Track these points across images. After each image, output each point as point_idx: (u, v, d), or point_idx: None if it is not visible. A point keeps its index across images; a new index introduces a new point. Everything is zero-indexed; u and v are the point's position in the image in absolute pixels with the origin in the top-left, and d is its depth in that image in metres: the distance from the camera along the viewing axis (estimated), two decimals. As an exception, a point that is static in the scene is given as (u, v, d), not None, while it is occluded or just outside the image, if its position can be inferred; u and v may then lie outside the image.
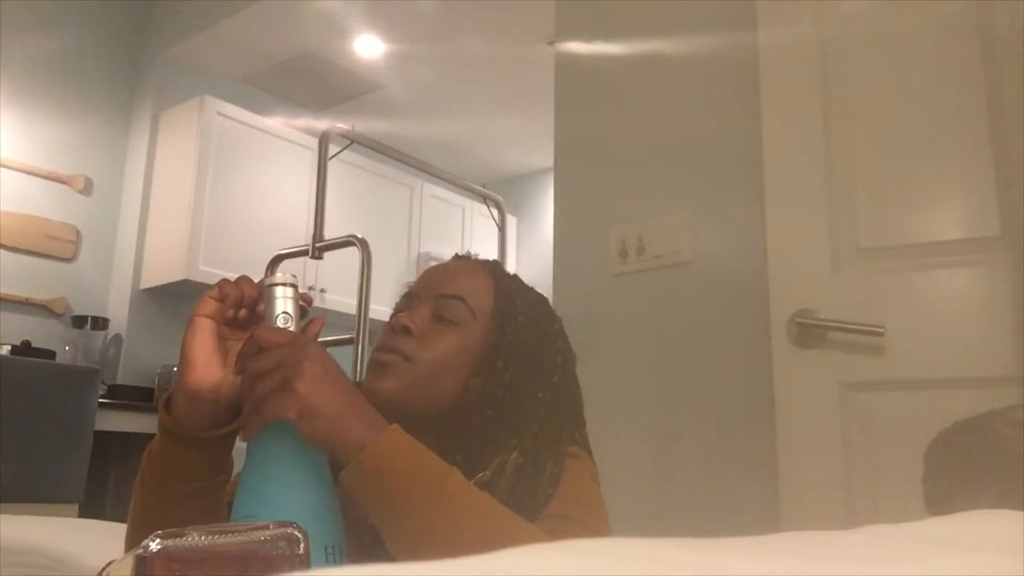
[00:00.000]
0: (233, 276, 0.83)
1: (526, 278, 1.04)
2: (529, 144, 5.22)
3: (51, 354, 3.62)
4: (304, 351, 0.72)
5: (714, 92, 2.05)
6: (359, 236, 2.55)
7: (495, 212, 3.18)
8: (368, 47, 4.23)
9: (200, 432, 0.78)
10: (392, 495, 0.70)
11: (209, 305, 0.80)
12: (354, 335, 2.48)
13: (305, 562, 0.39)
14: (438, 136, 5.11)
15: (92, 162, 4.16)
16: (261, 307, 0.79)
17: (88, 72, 4.19)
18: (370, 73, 4.47)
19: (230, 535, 0.38)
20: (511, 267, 1.09)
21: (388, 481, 0.70)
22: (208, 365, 0.78)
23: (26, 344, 3.60)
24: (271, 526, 0.39)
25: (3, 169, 3.81)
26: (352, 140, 2.74)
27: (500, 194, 3.36)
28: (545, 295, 1.05)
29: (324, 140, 2.57)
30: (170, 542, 0.36)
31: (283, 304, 0.77)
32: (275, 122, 4.40)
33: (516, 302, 0.98)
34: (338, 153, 2.68)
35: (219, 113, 4.12)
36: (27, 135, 3.92)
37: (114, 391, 3.72)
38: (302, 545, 0.39)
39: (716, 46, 2.06)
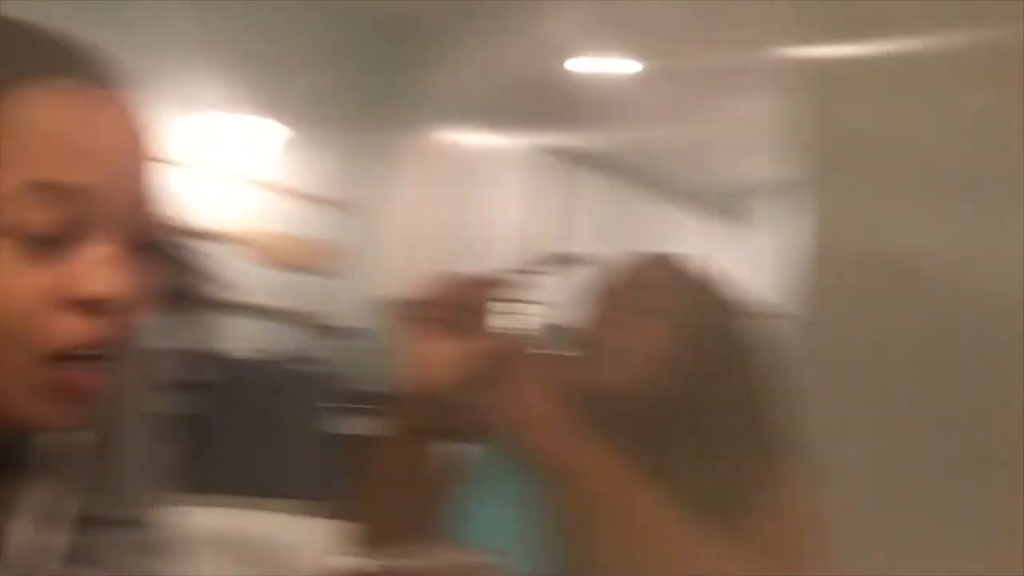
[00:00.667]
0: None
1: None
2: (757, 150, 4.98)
3: (307, 361, 3.96)
4: (520, 360, 0.72)
5: (981, 90, 1.83)
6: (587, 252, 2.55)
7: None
8: (602, 64, 4.25)
9: (426, 432, 0.79)
10: (590, 516, 0.68)
11: (426, 310, 0.80)
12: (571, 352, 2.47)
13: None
14: (676, 148, 5.00)
15: (355, 184, 4.50)
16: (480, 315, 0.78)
17: (355, 98, 4.54)
18: (601, 90, 4.48)
19: (419, 558, 0.36)
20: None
21: (589, 504, 0.68)
22: (432, 369, 0.78)
23: (285, 351, 3.96)
24: (465, 551, 0.37)
25: (279, 194, 4.24)
26: (578, 158, 2.75)
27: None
28: None
29: (550, 159, 2.60)
30: (354, 561, 0.34)
31: (508, 317, 0.76)
32: (510, 143, 4.53)
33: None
34: (565, 174, 2.70)
35: (454, 141, 4.33)
36: (301, 161, 4.33)
37: (358, 397, 3.98)
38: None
39: (981, 39, 1.85)
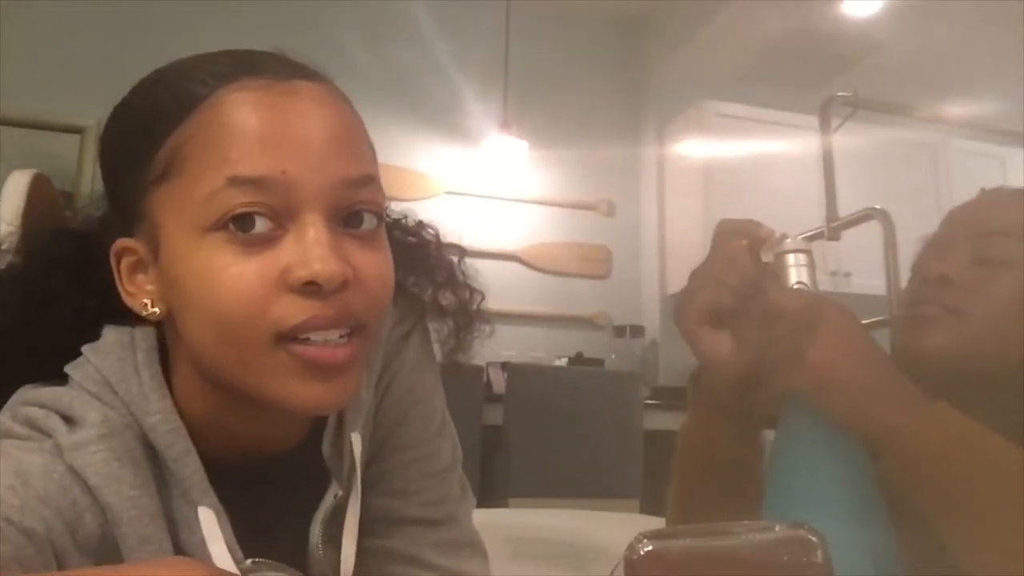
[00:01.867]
0: None
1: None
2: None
3: (600, 362, 4.01)
4: (821, 314, 0.64)
5: None
6: (878, 208, 2.32)
7: (1047, 153, 2.65)
8: (860, 6, 3.89)
9: (722, 402, 0.75)
10: (946, 491, 0.58)
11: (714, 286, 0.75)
12: (887, 317, 2.25)
13: (826, 571, 0.32)
14: (955, 86, 4.46)
15: (611, 185, 4.52)
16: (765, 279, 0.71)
17: (597, 100, 4.57)
18: (865, 34, 4.11)
19: (728, 537, 0.33)
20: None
21: (939, 473, 0.58)
22: (715, 341, 0.72)
23: (579, 355, 4.04)
24: (778, 527, 0.33)
25: (542, 206, 4.36)
26: (855, 106, 2.52)
27: (1052, 130, 2.79)
28: None
29: (824, 111, 2.40)
30: (660, 543, 0.32)
31: (797, 273, 0.69)
32: (774, 110, 4.30)
33: None
34: (842, 124, 2.48)
35: (717, 114, 4.17)
36: (554, 171, 4.42)
37: (657, 393, 3.96)
38: (820, 552, 0.32)
39: None
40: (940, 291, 0.79)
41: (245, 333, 0.54)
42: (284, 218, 0.55)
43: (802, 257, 0.69)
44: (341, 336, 0.56)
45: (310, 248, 0.54)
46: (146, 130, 0.58)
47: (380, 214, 0.59)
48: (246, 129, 0.55)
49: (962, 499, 0.58)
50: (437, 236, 0.77)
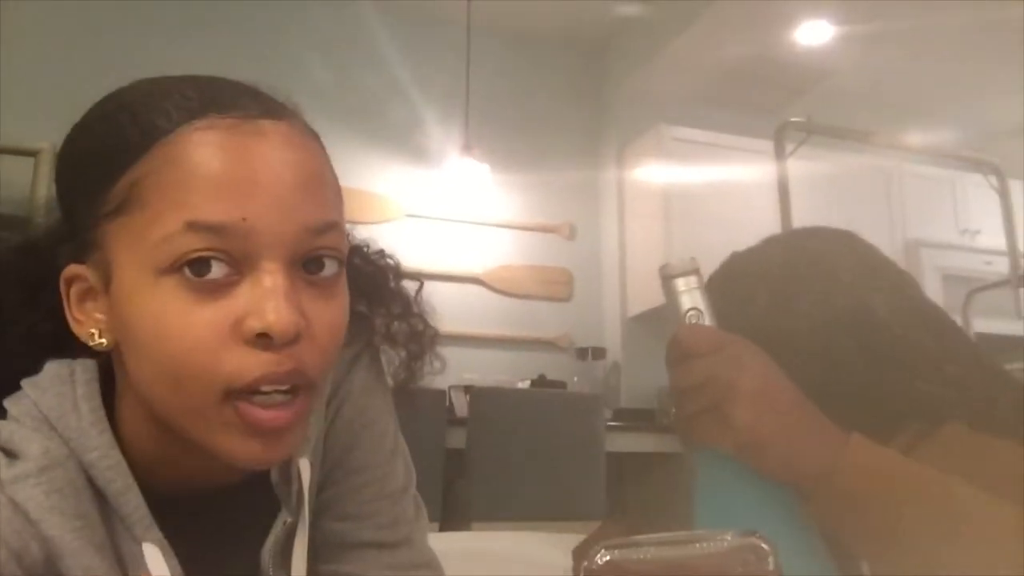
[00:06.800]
0: None
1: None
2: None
3: (563, 385, 4.02)
4: (738, 362, 0.60)
5: None
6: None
7: (993, 179, 2.73)
8: (813, 34, 4.00)
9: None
10: (878, 523, 0.57)
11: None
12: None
13: (778, 578, 0.33)
14: (906, 112, 4.59)
15: (573, 208, 4.56)
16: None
17: (558, 123, 4.62)
18: (818, 61, 4.22)
19: (684, 547, 0.33)
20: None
21: (869, 507, 0.58)
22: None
23: (542, 378, 4.05)
24: (730, 536, 0.34)
25: (503, 230, 4.38)
26: (809, 132, 2.58)
27: (998, 155, 2.88)
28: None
29: (779, 136, 2.47)
30: (618, 553, 0.33)
31: (690, 299, 0.63)
32: (731, 135, 4.37)
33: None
34: (796, 149, 2.55)
35: (675, 138, 4.24)
36: (516, 194, 4.44)
37: (619, 414, 3.98)
38: (771, 559, 0.33)
39: None
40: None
41: (195, 385, 0.53)
42: (241, 264, 0.53)
43: (692, 279, 0.64)
44: (287, 392, 0.54)
45: (265, 298, 0.52)
46: (104, 159, 0.55)
47: (341, 259, 0.58)
48: (208, 172, 0.53)
49: (882, 526, 0.57)
50: (397, 266, 0.76)
